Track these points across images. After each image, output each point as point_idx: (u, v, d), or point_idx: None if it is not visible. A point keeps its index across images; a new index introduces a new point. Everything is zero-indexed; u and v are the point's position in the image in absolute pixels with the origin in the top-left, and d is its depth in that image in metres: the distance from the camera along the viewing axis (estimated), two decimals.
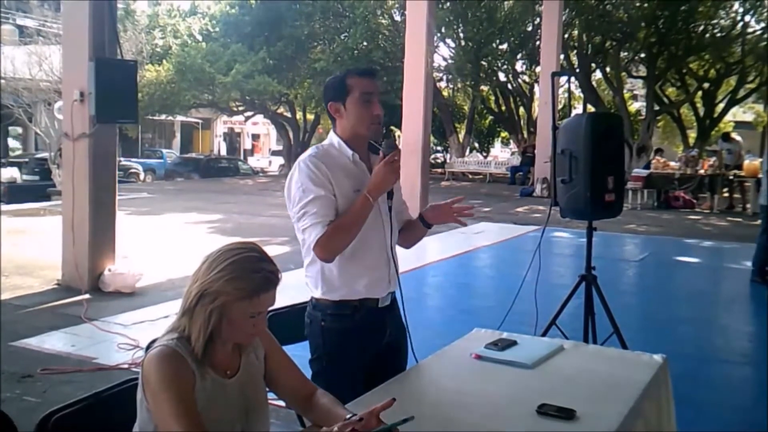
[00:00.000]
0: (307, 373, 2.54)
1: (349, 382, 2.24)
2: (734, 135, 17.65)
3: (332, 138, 2.57)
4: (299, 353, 2.46)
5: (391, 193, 2.54)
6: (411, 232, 2.75)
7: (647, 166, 16.85)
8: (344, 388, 2.24)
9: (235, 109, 28.69)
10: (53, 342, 5.38)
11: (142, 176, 24.75)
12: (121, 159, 24.57)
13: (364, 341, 2.55)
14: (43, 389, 4.40)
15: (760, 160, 11.72)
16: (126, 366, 4.83)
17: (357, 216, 2.43)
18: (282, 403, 2.20)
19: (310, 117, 29.97)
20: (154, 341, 1.88)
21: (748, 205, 15.32)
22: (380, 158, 2.47)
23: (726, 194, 16.16)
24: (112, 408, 1.98)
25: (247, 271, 1.83)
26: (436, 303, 7.51)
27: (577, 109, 27.02)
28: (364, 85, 2.49)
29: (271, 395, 2.08)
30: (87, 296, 6.63)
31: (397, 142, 2.57)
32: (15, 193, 16.57)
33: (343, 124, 2.53)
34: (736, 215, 14.98)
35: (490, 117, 32.64)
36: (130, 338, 5.40)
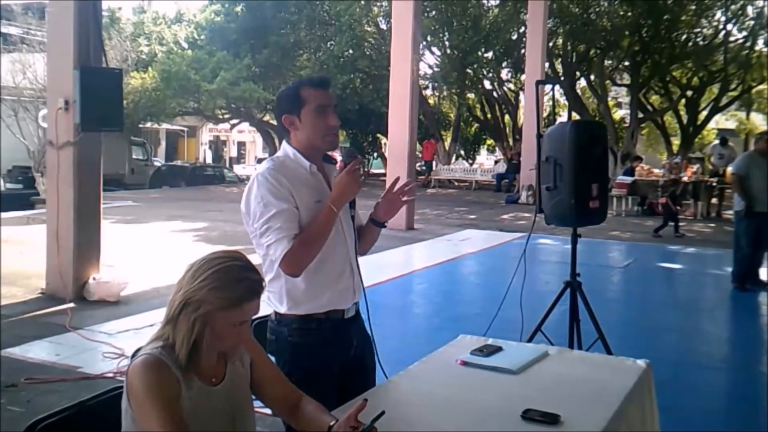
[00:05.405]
0: None
1: (321, 396, 2.16)
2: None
3: (287, 149, 2.51)
4: None
5: (354, 203, 2.52)
6: (365, 237, 2.69)
7: (627, 172, 16.93)
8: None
9: (220, 116, 28.62)
10: (37, 351, 5.34)
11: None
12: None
13: (332, 354, 2.50)
14: (27, 399, 4.37)
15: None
16: (111, 375, 4.80)
17: (322, 228, 2.38)
18: (268, 411, 2.20)
19: None
20: (138, 350, 1.88)
21: (730, 212, 15.42)
22: (340, 167, 2.45)
23: (715, 200, 16.28)
24: (96, 417, 1.97)
25: (230, 280, 1.84)
26: (422, 310, 7.52)
27: (562, 116, 27.15)
28: (318, 96, 2.45)
29: (257, 403, 2.09)
30: (71, 305, 6.58)
31: (356, 152, 2.51)
32: None
33: (299, 136, 2.48)
34: (720, 221, 15.08)
35: (476, 124, 32.71)
36: (115, 347, 5.37)
